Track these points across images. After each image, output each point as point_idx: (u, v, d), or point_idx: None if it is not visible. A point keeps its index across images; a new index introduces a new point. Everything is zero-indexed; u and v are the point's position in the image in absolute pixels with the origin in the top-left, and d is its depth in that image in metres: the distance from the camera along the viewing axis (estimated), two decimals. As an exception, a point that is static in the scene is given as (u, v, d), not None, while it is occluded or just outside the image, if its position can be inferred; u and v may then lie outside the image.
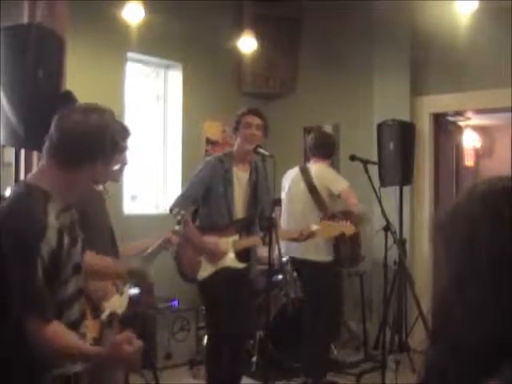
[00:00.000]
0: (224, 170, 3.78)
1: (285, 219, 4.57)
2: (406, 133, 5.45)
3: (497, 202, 0.90)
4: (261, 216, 3.87)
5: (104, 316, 2.69)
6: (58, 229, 1.78)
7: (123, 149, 2.94)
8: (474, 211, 0.91)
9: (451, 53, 5.41)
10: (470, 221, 0.91)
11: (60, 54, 3.21)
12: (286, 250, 4.44)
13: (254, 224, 3.90)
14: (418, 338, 5.12)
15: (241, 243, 3.79)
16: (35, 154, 3.47)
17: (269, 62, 6.51)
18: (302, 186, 4.48)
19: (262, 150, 3.72)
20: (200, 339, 5.07)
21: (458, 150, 7.17)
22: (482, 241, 0.88)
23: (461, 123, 6.85)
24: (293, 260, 4.56)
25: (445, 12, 5.24)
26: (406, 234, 5.47)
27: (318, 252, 4.31)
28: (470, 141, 8.87)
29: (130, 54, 5.59)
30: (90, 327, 2.54)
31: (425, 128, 5.76)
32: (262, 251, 4.00)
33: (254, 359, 4.77)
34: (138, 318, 4.30)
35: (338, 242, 4.40)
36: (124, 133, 2.95)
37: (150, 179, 6.08)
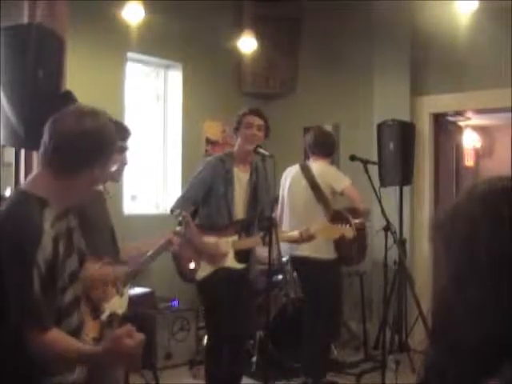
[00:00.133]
0: (225, 170, 3.78)
1: (287, 218, 4.56)
2: (406, 133, 5.45)
3: (496, 202, 0.90)
4: (261, 216, 3.87)
5: (104, 317, 2.69)
6: (54, 237, 1.75)
7: (123, 149, 2.94)
8: (474, 211, 0.91)
9: (451, 53, 5.41)
10: (470, 221, 0.91)
11: (60, 54, 3.21)
12: (286, 248, 4.44)
13: (253, 225, 3.90)
14: (418, 337, 5.12)
15: (240, 244, 3.79)
16: (35, 154, 3.47)
17: (269, 61, 6.51)
18: (304, 183, 4.46)
19: (262, 150, 3.71)
20: (200, 339, 5.07)
21: (458, 150, 7.17)
22: (482, 241, 0.88)
23: (461, 123, 6.85)
24: (293, 258, 4.56)
25: (445, 12, 5.24)
26: (406, 234, 5.47)
27: (318, 250, 4.30)
28: (470, 141, 8.87)
29: (130, 54, 5.59)
30: (90, 328, 2.54)
31: (425, 128, 5.76)
32: (262, 251, 4.00)
33: (254, 359, 4.77)
34: (138, 318, 4.30)
35: (343, 239, 4.38)
36: (124, 133, 2.95)
37: (150, 179, 6.08)
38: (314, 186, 4.43)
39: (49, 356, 1.70)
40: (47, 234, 1.72)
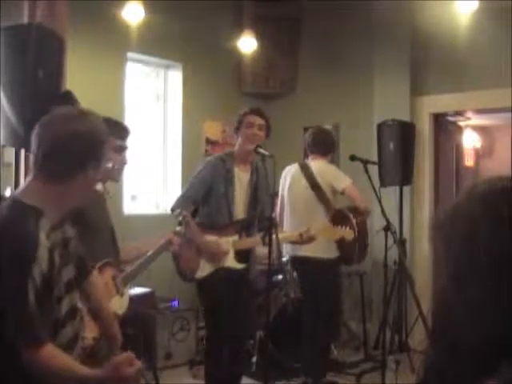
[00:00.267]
0: (225, 169, 3.78)
1: (288, 218, 4.55)
2: (406, 133, 5.45)
3: (496, 202, 0.90)
4: (261, 216, 3.86)
5: None
6: (49, 248, 1.71)
7: (122, 148, 2.94)
8: (474, 211, 0.91)
9: (451, 53, 5.41)
10: (470, 221, 0.91)
11: (60, 54, 3.21)
12: (287, 248, 4.44)
13: (254, 225, 3.89)
14: (418, 337, 5.12)
15: (240, 243, 3.79)
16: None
17: (269, 61, 6.51)
18: (304, 183, 4.45)
19: (262, 150, 3.71)
20: (200, 339, 5.07)
21: (458, 150, 7.17)
22: (482, 241, 0.88)
23: (461, 123, 6.85)
24: (293, 258, 4.56)
25: (445, 12, 5.24)
26: (406, 234, 5.47)
27: (318, 250, 4.29)
28: (470, 141, 8.87)
29: (129, 54, 5.59)
30: (91, 328, 2.54)
31: (425, 128, 5.76)
32: (260, 250, 4.00)
33: (254, 359, 4.77)
34: (138, 318, 4.30)
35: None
36: (123, 132, 2.96)
37: (150, 179, 6.08)
38: (314, 185, 4.42)
39: (44, 372, 1.67)
40: (43, 246, 1.68)
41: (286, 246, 4.39)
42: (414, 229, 5.71)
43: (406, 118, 5.60)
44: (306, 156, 4.77)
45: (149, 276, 4.80)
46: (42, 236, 1.70)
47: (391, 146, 5.37)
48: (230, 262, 3.76)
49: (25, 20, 3.57)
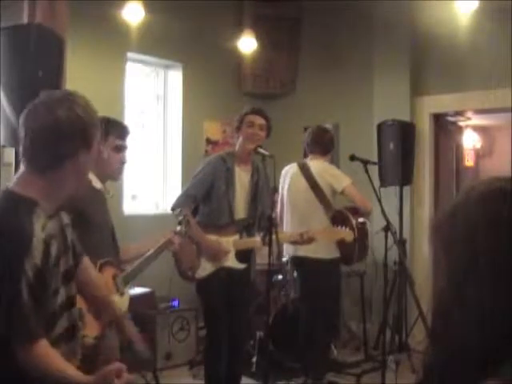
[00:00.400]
0: (226, 168, 3.78)
1: (288, 218, 4.54)
2: (405, 133, 5.45)
3: (495, 202, 0.90)
4: (261, 216, 3.86)
5: None
6: (44, 239, 1.68)
7: (122, 148, 2.94)
8: (473, 212, 0.91)
9: (451, 53, 5.41)
10: (469, 221, 0.91)
11: (60, 54, 3.21)
12: (288, 248, 4.44)
13: (254, 225, 3.89)
14: (418, 337, 5.12)
15: (241, 243, 3.79)
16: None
17: (269, 62, 6.52)
18: (303, 183, 4.44)
19: (262, 150, 3.72)
20: (200, 339, 5.06)
21: (458, 150, 7.17)
22: (481, 241, 0.89)
23: (461, 123, 6.85)
24: (293, 258, 4.56)
25: (445, 12, 5.24)
26: (406, 234, 5.47)
27: (318, 250, 4.29)
28: (470, 141, 8.87)
29: (129, 54, 5.59)
30: (92, 327, 2.54)
31: (425, 128, 5.76)
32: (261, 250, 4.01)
33: (254, 359, 4.77)
34: (138, 318, 4.30)
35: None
36: (122, 132, 2.96)
37: (150, 179, 6.08)
38: (313, 185, 4.41)
39: (36, 369, 1.65)
40: (37, 239, 1.66)
41: (286, 247, 4.38)
42: (413, 229, 5.71)
43: (406, 118, 5.60)
44: (305, 155, 4.77)
45: (149, 276, 4.81)
46: (37, 228, 1.67)
47: (391, 145, 5.37)
48: (231, 261, 3.76)
49: (25, 20, 3.58)
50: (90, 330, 2.53)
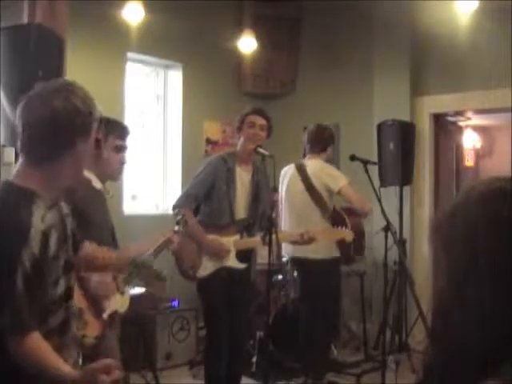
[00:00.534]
0: (227, 168, 3.78)
1: (286, 220, 4.54)
2: (405, 133, 5.44)
3: (495, 202, 0.90)
4: (262, 216, 3.87)
5: (105, 315, 2.69)
6: (43, 231, 1.68)
7: (122, 148, 2.94)
8: (473, 212, 0.91)
9: (451, 53, 5.41)
10: (469, 222, 0.91)
11: (60, 54, 3.21)
12: (285, 249, 4.43)
13: (255, 225, 3.89)
14: (418, 337, 5.12)
15: (241, 243, 3.79)
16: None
17: (269, 62, 6.52)
18: (300, 185, 4.43)
19: (261, 150, 3.72)
20: (200, 339, 5.06)
21: (458, 150, 7.17)
22: (481, 241, 0.89)
23: (461, 123, 6.85)
24: (293, 259, 4.56)
25: (445, 12, 5.24)
26: (406, 234, 5.47)
27: (318, 250, 4.28)
28: (470, 141, 8.87)
29: (129, 54, 5.59)
30: (92, 326, 2.54)
31: (425, 128, 5.76)
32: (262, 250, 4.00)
33: (254, 359, 4.77)
34: (138, 318, 4.30)
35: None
36: (122, 132, 2.96)
37: (150, 179, 6.08)
38: (309, 187, 4.39)
39: (26, 361, 1.65)
40: (35, 230, 1.66)
41: (284, 247, 4.37)
42: (413, 229, 5.70)
43: (406, 118, 5.60)
44: (304, 155, 4.76)
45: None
46: (36, 218, 1.67)
47: (391, 145, 5.37)
48: (232, 261, 3.76)
49: (25, 20, 3.58)
50: (91, 329, 2.53)
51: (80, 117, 1.75)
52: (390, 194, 5.31)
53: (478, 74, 5.39)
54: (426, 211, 5.69)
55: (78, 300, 2.06)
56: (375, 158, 5.28)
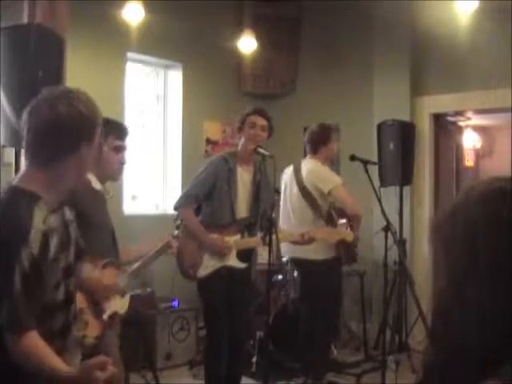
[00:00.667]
0: (228, 169, 3.79)
1: (283, 220, 4.55)
2: (405, 133, 5.45)
3: (495, 202, 0.90)
4: (263, 215, 3.87)
5: (105, 316, 2.69)
6: (44, 232, 1.71)
7: (121, 148, 2.94)
8: (473, 212, 0.91)
9: (451, 53, 5.41)
10: (469, 221, 0.91)
11: (60, 54, 3.21)
12: (283, 249, 4.43)
13: (256, 224, 3.89)
14: (418, 337, 5.12)
15: (242, 243, 3.79)
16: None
17: (269, 62, 6.52)
18: (295, 186, 4.44)
19: (261, 150, 3.72)
20: (200, 339, 5.06)
21: (458, 150, 7.17)
22: (481, 241, 0.89)
23: (461, 123, 6.85)
24: (292, 259, 4.56)
25: (445, 12, 5.24)
26: (406, 234, 5.47)
27: (317, 251, 4.28)
28: (470, 141, 8.87)
29: (130, 54, 5.59)
30: (92, 327, 2.54)
31: (425, 128, 5.76)
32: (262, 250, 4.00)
33: (254, 359, 4.77)
34: (138, 318, 4.30)
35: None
36: (122, 132, 2.96)
37: (150, 179, 6.08)
38: (302, 189, 4.39)
39: (24, 359, 1.67)
40: (36, 230, 1.68)
41: (283, 247, 4.36)
42: (413, 229, 5.71)
43: (406, 118, 5.60)
44: (305, 155, 4.75)
45: (149, 276, 4.81)
46: (37, 219, 1.70)
47: (391, 145, 5.37)
48: (232, 260, 3.76)
49: (25, 20, 3.58)
50: (91, 329, 2.53)
51: (84, 121, 1.80)
52: (390, 194, 5.32)
53: (478, 74, 5.39)
54: (426, 211, 5.69)
55: (79, 300, 2.06)
56: (375, 158, 5.28)
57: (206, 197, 3.79)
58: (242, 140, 3.85)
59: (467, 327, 0.88)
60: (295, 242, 3.97)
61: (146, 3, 5.06)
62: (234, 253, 3.77)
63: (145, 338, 4.66)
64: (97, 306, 2.65)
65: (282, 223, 4.51)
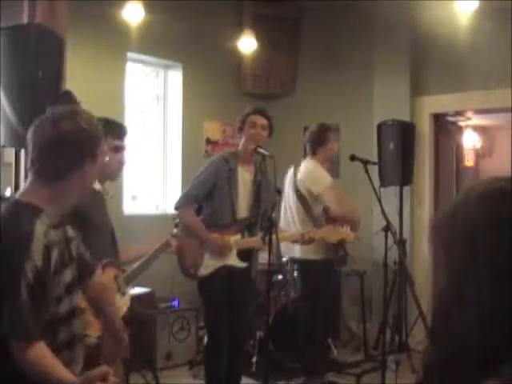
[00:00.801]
0: (229, 168, 3.79)
1: (282, 220, 4.55)
2: (405, 133, 5.45)
3: (495, 202, 0.90)
4: (264, 215, 3.87)
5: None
6: (46, 245, 1.73)
7: (120, 148, 2.94)
8: (473, 212, 0.91)
9: (451, 53, 5.41)
10: (469, 221, 0.91)
11: (60, 53, 3.21)
12: (285, 249, 4.43)
13: (256, 224, 3.89)
14: (418, 337, 5.12)
15: (242, 242, 3.79)
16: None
17: (269, 62, 6.52)
18: (292, 188, 4.45)
19: (262, 150, 3.72)
20: (200, 339, 5.06)
21: (458, 150, 7.17)
22: (481, 241, 0.89)
23: (461, 123, 6.85)
24: (292, 259, 4.56)
25: (445, 12, 5.24)
26: (406, 234, 5.47)
27: (317, 251, 4.28)
28: (470, 141, 8.87)
29: (130, 54, 5.59)
30: (95, 326, 2.54)
31: (425, 128, 5.76)
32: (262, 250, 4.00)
33: (254, 359, 4.77)
34: (138, 318, 4.30)
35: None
36: (121, 132, 2.96)
37: (150, 179, 6.08)
38: (296, 191, 4.40)
39: (30, 370, 1.68)
40: (38, 242, 1.70)
41: (283, 248, 4.35)
42: (413, 229, 5.70)
43: (406, 118, 5.60)
44: (305, 155, 4.75)
45: (149, 276, 4.81)
46: (38, 231, 1.72)
47: (391, 145, 5.37)
48: (233, 260, 3.76)
49: (25, 20, 3.58)
50: (93, 329, 2.53)
51: (87, 138, 1.85)
52: (390, 194, 5.32)
53: (478, 74, 5.39)
54: (426, 211, 5.69)
55: (79, 300, 2.07)
56: (375, 158, 5.28)
57: (206, 197, 3.79)
58: (243, 140, 3.86)
59: (467, 327, 0.88)
60: (296, 242, 3.97)
61: (145, 3, 5.06)
62: (234, 252, 3.77)
63: (145, 338, 4.66)
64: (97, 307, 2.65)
65: (282, 223, 4.51)
